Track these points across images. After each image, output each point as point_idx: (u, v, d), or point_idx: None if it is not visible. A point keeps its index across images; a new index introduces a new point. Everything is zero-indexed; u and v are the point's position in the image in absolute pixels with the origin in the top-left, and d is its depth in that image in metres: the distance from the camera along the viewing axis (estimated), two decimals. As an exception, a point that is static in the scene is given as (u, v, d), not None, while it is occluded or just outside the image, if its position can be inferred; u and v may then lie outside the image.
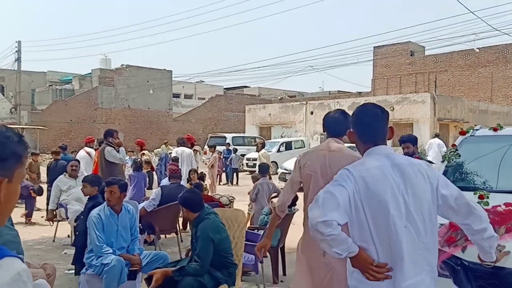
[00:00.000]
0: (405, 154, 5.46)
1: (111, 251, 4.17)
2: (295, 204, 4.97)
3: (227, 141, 20.54)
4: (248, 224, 6.17)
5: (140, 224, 5.18)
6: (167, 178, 7.70)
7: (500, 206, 2.62)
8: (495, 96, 31.84)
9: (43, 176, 11.60)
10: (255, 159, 18.69)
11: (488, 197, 3.03)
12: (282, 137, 25.98)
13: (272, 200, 6.77)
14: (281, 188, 8.44)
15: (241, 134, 26.99)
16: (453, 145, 3.98)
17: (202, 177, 8.62)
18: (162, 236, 7.01)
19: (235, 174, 17.03)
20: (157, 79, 34.68)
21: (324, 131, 3.29)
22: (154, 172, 10.65)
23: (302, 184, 3.12)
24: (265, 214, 5.67)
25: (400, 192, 1.94)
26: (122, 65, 34.53)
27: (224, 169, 16.89)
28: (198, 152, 12.37)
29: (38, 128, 28.33)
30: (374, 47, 36.69)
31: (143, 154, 11.95)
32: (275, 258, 5.39)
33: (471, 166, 3.72)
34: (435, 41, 66.73)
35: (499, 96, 31.77)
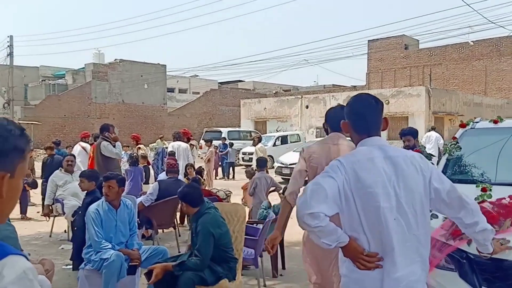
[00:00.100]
0: (406, 147, 5.45)
1: (110, 246, 4.13)
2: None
3: (222, 136, 20.48)
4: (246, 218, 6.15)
5: (137, 219, 5.14)
6: (164, 172, 7.66)
7: (505, 198, 2.61)
8: (489, 89, 31.98)
9: (38, 172, 11.52)
10: (251, 153, 18.66)
11: (491, 190, 3.03)
12: (277, 131, 25.95)
13: (280, 194, 6.73)
14: (279, 182, 8.44)
15: (237, 129, 26.93)
16: (454, 138, 3.97)
17: (200, 171, 8.59)
18: (160, 230, 6.98)
19: (231, 168, 17.02)
20: (151, 74, 34.47)
21: (326, 127, 3.28)
22: (150, 167, 10.62)
23: (307, 177, 3.12)
24: (264, 208, 5.65)
25: (391, 184, 1.94)
26: (115, 59, 34.28)
27: (220, 163, 16.86)
28: (194, 147, 12.34)
29: (31, 123, 28.11)
30: (368, 40, 36.71)
31: (139, 148, 11.89)
32: (274, 252, 5.36)
33: (472, 158, 3.71)
34: (429, 35, 66.82)
35: (493, 89, 31.92)
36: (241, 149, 20.61)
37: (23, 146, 1.13)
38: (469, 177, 3.53)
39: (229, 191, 8.87)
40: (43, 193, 8.49)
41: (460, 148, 3.78)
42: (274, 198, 7.18)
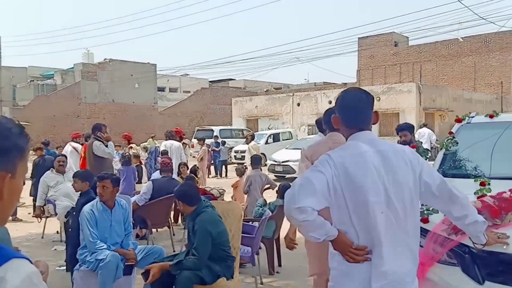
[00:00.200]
0: (402, 142, 5.45)
1: (105, 246, 4.08)
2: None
3: (214, 134, 20.41)
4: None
5: (132, 219, 5.08)
6: (157, 171, 7.60)
7: (505, 192, 2.61)
8: (478, 85, 32.26)
9: (28, 173, 11.38)
10: (243, 151, 18.61)
11: (489, 184, 3.03)
12: (269, 129, 25.93)
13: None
14: (273, 179, 8.40)
15: (229, 127, 26.87)
16: (450, 133, 3.97)
17: (195, 170, 8.53)
18: (154, 230, 6.92)
19: (223, 166, 16.97)
20: (142, 73, 34.25)
21: (325, 127, 3.27)
22: (143, 166, 10.54)
23: None
24: (259, 206, 5.62)
25: (380, 179, 1.94)
26: (105, 59, 33.98)
27: (212, 161, 16.81)
28: (187, 146, 12.27)
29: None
30: (358, 38, 36.81)
31: (131, 148, 11.79)
32: (270, 250, 5.36)
33: (469, 153, 3.71)
34: (419, 32, 67.12)
35: (482, 85, 32.20)
36: (233, 147, 20.58)
37: (23, 145, 1.09)
38: (467, 171, 3.53)
39: (223, 189, 8.81)
40: (34, 194, 8.38)
41: (457, 143, 3.78)
42: (268, 196, 7.16)
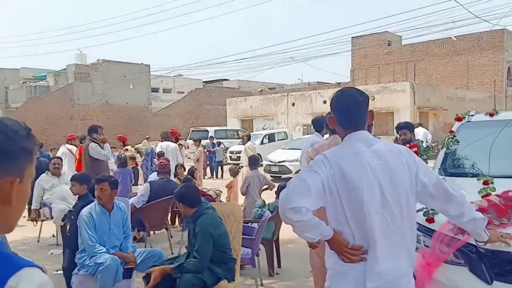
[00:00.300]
0: (402, 141, 5.45)
1: (104, 250, 4.02)
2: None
3: (209, 135, 20.36)
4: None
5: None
6: (154, 173, 7.54)
7: (511, 191, 2.59)
8: (471, 84, 32.45)
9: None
10: (238, 152, 18.55)
11: (492, 183, 3.01)
12: (264, 129, 25.91)
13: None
14: (271, 180, 8.38)
15: (224, 127, 26.81)
16: (451, 131, 3.96)
17: (192, 172, 8.47)
18: (151, 232, 6.87)
19: (219, 167, 16.92)
20: (135, 74, 34.08)
21: (327, 130, 3.26)
22: (139, 168, 10.46)
23: None
24: (258, 207, 5.59)
25: (376, 179, 1.93)
26: (98, 60, 33.78)
27: (208, 162, 16.76)
28: (183, 147, 12.20)
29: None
30: (352, 37, 36.89)
31: (126, 150, 11.71)
32: (270, 251, 5.33)
33: (470, 152, 3.70)
34: (412, 31, 67.37)
35: (475, 84, 32.39)
36: (228, 148, 20.53)
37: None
38: (469, 170, 3.52)
39: (219, 191, 8.78)
40: (29, 197, 8.28)
41: (458, 142, 3.76)
42: (265, 196, 7.13)
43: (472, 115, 4.16)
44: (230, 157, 19.97)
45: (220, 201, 7.74)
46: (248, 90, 41.75)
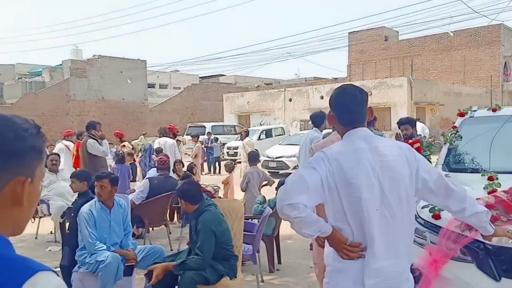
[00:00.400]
0: (404, 136, 5.43)
1: (105, 247, 3.99)
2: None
3: (207, 131, 20.29)
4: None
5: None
6: (152, 169, 7.49)
7: (518, 187, 2.58)
8: (467, 79, 32.50)
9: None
10: (236, 148, 18.53)
11: (497, 178, 2.99)
12: (261, 124, 25.87)
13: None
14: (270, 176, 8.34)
15: (221, 123, 26.73)
16: (454, 127, 3.94)
17: (191, 168, 8.43)
18: (150, 228, 6.83)
19: (217, 163, 16.89)
20: (131, 69, 33.92)
21: (330, 127, 3.22)
22: (137, 164, 10.41)
23: None
24: (259, 203, 5.56)
25: (375, 175, 1.93)
26: (94, 55, 33.58)
27: (205, 158, 16.73)
28: (181, 143, 12.15)
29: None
30: (349, 33, 36.88)
31: (124, 146, 11.64)
32: (270, 247, 5.31)
33: (474, 147, 3.68)
34: (409, 26, 67.41)
35: (471, 79, 32.45)
36: (225, 143, 20.48)
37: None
38: (472, 166, 3.50)
39: (217, 186, 8.75)
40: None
41: (461, 137, 3.74)
42: (263, 192, 7.11)
43: (475, 111, 4.14)
44: (227, 152, 19.94)
45: (220, 197, 7.71)
46: (244, 85, 41.67)
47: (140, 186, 6.44)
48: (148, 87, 37.80)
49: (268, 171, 14.44)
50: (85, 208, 4.08)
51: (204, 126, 23.01)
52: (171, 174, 7.63)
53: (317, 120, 6.02)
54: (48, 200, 6.92)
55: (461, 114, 4.08)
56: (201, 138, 16.18)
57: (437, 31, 33.61)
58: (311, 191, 1.90)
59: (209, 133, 18.27)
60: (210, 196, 6.22)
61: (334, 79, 36.99)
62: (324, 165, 1.93)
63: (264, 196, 5.89)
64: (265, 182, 6.81)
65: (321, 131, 6.08)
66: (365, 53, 36.65)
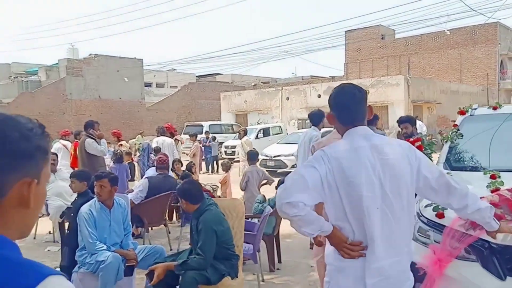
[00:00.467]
0: (404, 134, 5.43)
1: (105, 247, 3.96)
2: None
3: (204, 129, 20.25)
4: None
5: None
6: (151, 168, 7.47)
7: (522, 185, 2.57)
8: (464, 77, 32.61)
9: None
10: (233, 147, 18.50)
11: (499, 177, 2.99)
12: (258, 123, 25.85)
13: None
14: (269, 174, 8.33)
15: (218, 122, 26.68)
16: (455, 125, 3.93)
17: (190, 167, 8.41)
18: (149, 228, 6.80)
19: (215, 162, 16.87)
20: (128, 68, 33.81)
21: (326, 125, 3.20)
22: (136, 163, 10.38)
23: None
24: (258, 202, 5.55)
25: (376, 174, 1.92)
26: (90, 54, 33.46)
27: (203, 157, 16.70)
28: (179, 142, 12.11)
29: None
30: (345, 31, 36.91)
31: (121, 145, 11.60)
32: (271, 246, 5.30)
33: (475, 146, 3.67)
34: (406, 24, 67.46)
35: (468, 77, 32.56)
36: (223, 142, 20.45)
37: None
38: (474, 164, 3.50)
39: (216, 185, 8.73)
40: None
41: (462, 136, 3.74)
42: (263, 191, 7.09)
43: (475, 109, 4.13)
44: (225, 151, 19.91)
45: (219, 197, 7.70)
46: (242, 84, 41.64)
47: (139, 185, 6.41)
48: (145, 86, 37.70)
49: (266, 170, 14.42)
50: (84, 208, 4.05)
51: (202, 125, 22.96)
52: (170, 173, 7.61)
53: (315, 118, 6.03)
54: (47, 200, 6.87)
55: (462, 112, 4.07)
56: (199, 137, 16.15)
57: (433, 30, 33.70)
58: (311, 190, 1.89)
59: (206, 132, 18.23)
60: (210, 195, 6.21)
61: (331, 78, 37.02)
62: (324, 163, 1.93)
63: (264, 195, 5.88)
64: (264, 181, 6.79)
65: (320, 130, 6.09)
66: (362, 51, 36.70)
